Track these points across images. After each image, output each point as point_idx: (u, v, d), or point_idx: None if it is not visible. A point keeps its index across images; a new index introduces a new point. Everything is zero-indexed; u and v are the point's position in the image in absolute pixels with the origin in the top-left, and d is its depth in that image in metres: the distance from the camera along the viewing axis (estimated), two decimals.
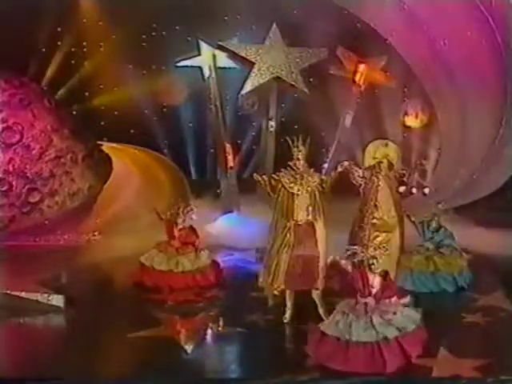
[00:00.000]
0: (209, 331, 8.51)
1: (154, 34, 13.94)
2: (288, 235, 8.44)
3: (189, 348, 7.82)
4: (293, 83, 14.42)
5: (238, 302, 9.55)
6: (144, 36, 13.88)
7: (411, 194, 9.18)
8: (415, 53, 14.13)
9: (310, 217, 8.48)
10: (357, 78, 14.79)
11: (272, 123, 14.59)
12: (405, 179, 9.08)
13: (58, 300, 8.96)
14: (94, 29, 13.68)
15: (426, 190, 9.53)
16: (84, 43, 13.83)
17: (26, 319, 8.76)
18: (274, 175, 8.68)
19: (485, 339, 8.17)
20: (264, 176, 8.69)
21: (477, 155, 13.39)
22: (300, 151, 8.59)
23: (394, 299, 7.32)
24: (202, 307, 9.24)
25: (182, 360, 7.59)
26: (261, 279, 8.75)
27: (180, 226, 10.31)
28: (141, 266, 10.13)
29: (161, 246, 10.23)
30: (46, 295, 9.00)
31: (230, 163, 14.33)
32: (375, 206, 8.83)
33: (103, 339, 8.22)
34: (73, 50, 13.74)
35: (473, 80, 13.15)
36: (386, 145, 9.16)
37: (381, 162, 8.95)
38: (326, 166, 14.08)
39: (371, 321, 7.05)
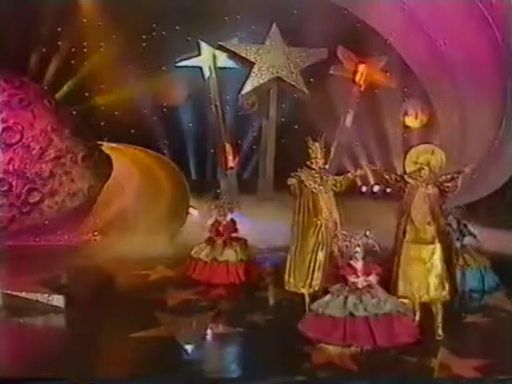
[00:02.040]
0: (209, 331, 8.50)
1: (154, 33, 13.95)
2: (320, 234, 8.47)
3: (189, 348, 7.82)
4: (293, 83, 14.44)
5: (238, 301, 9.54)
6: (144, 36, 13.88)
7: None
8: (415, 53, 14.15)
9: (334, 214, 8.56)
10: (357, 78, 14.81)
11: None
12: (446, 189, 8.55)
13: (58, 300, 8.95)
14: (94, 29, 13.68)
15: None
16: (84, 43, 13.83)
17: (26, 319, 8.74)
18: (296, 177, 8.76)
19: (485, 339, 8.18)
20: (293, 179, 8.79)
21: (477, 155, 13.38)
22: (318, 149, 8.69)
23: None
24: (202, 307, 9.24)
25: (182, 360, 7.59)
26: (289, 285, 8.74)
27: (224, 222, 10.60)
28: (190, 260, 10.48)
29: (209, 241, 10.55)
30: (46, 295, 8.99)
31: (230, 163, 14.34)
32: (408, 216, 8.42)
33: (103, 339, 8.22)
34: (73, 50, 13.74)
35: (473, 80, 13.16)
36: (432, 152, 8.62)
37: (422, 169, 8.50)
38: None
39: (360, 298, 7.48)
